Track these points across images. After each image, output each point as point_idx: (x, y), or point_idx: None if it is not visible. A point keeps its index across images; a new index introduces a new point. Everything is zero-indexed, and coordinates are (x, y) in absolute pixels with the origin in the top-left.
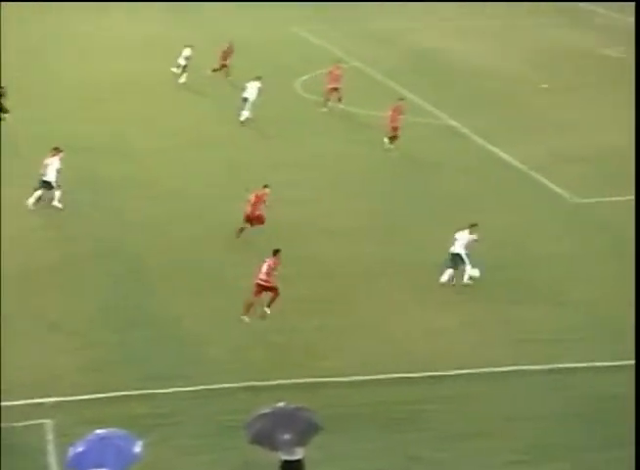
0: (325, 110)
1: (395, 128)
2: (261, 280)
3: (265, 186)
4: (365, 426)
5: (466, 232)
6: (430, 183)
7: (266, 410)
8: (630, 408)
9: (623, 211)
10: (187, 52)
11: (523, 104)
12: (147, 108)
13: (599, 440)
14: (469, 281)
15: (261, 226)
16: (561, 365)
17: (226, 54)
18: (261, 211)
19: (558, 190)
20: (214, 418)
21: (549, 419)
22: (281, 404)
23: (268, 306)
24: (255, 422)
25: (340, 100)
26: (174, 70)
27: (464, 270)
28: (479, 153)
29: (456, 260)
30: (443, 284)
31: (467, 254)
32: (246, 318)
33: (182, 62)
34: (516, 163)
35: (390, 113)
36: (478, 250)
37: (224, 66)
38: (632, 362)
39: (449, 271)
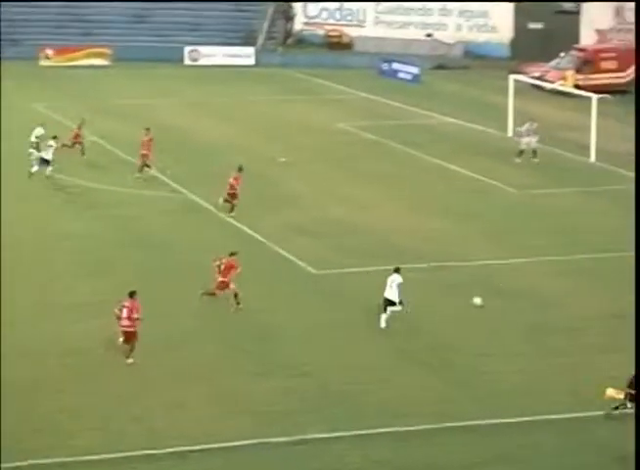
0: (138, 175)
1: (233, 195)
2: (124, 326)
3: (232, 254)
4: None
5: (397, 276)
6: (169, 256)
7: None
8: None
9: (358, 282)
10: (39, 131)
11: (261, 178)
12: None
13: None
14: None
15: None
16: (303, 436)
17: (78, 131)
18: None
19: (296, 262)
20: None
21: None
22: None
23: (127, 357)
24: None
25: (148, 166)
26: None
27: (391, 311)
28: (220, 226)
29: (386, 305)
30: (383, 328)
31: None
32: (129, 361)
33: (34, 140)
34: (256, 235)
35: (231, 180)
36: (219, 320)
37: (79, 142)
38: (370, 431)
39: (383, 317)
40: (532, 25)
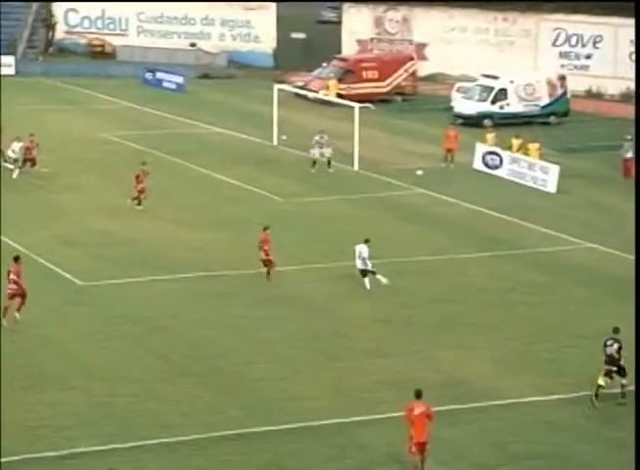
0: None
1: (142, 190)
2: (11, 289)
3: (266, 228)
4: None
5: (364, 246)
6: None
7: None
8: None
9: (125, 293)
10: (18, 145)
11: (25, 189)
12: None
13: None
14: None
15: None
16: (73, 450)
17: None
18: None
19: (61, 273)
20: None
21: None
22: None
23: (18, 310)
24: None
25: (34, 165)
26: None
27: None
28: None
29: (364, 273)
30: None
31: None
32: (4, 322)
33: (12, 155)
34: (19, 247)
35: (137, 177)
36: None
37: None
38: (142, 443)
39: (366, 280)
40: (295, 35)
